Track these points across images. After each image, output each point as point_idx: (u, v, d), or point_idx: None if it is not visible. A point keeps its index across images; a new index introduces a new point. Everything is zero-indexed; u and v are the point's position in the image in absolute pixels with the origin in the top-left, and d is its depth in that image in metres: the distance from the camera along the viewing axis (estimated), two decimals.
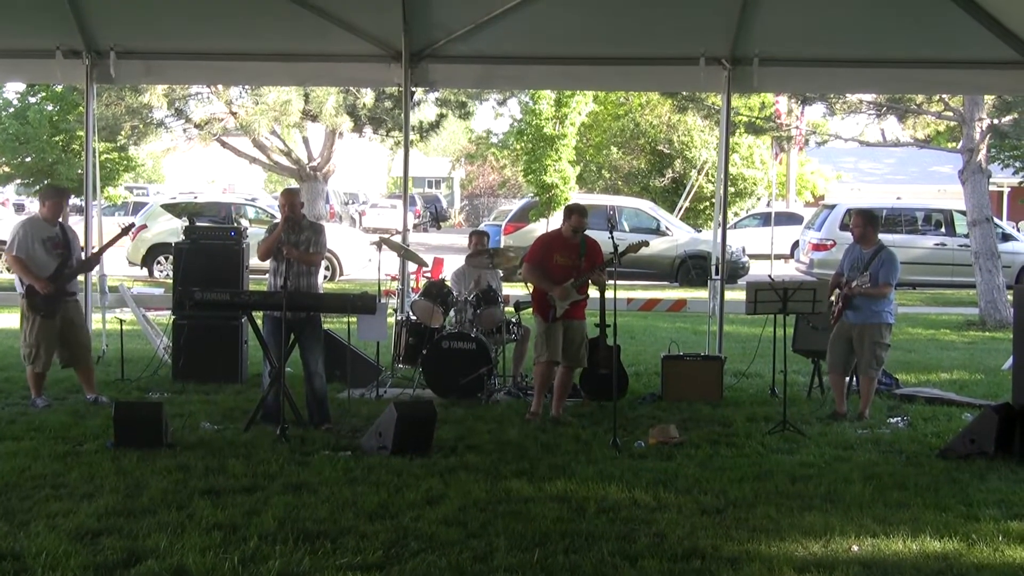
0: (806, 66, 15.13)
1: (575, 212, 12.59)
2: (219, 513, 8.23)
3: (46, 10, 14.15)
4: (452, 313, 13.87)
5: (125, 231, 13.34)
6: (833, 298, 12.56)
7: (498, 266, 14.21)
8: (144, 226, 30.57)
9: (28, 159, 33.83)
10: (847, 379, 12.87)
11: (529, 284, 12.75)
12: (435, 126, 25.21)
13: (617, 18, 14.36)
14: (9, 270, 29.53)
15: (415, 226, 58.44)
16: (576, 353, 12.43)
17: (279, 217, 12.10)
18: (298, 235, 11.88)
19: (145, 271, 30.21)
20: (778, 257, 34.60)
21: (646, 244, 12.51)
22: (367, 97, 22.86)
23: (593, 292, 12.51)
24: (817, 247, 31.35)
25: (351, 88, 22.51)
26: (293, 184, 25.98)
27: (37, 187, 34.84)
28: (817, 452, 10.74)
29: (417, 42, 14.69)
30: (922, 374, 15.64)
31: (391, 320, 14.66)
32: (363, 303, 11.69)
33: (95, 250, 14.05)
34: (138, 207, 38.71)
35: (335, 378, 13.41)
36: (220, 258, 13.95)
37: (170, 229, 28.00)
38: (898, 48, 14.60)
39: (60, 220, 12.68)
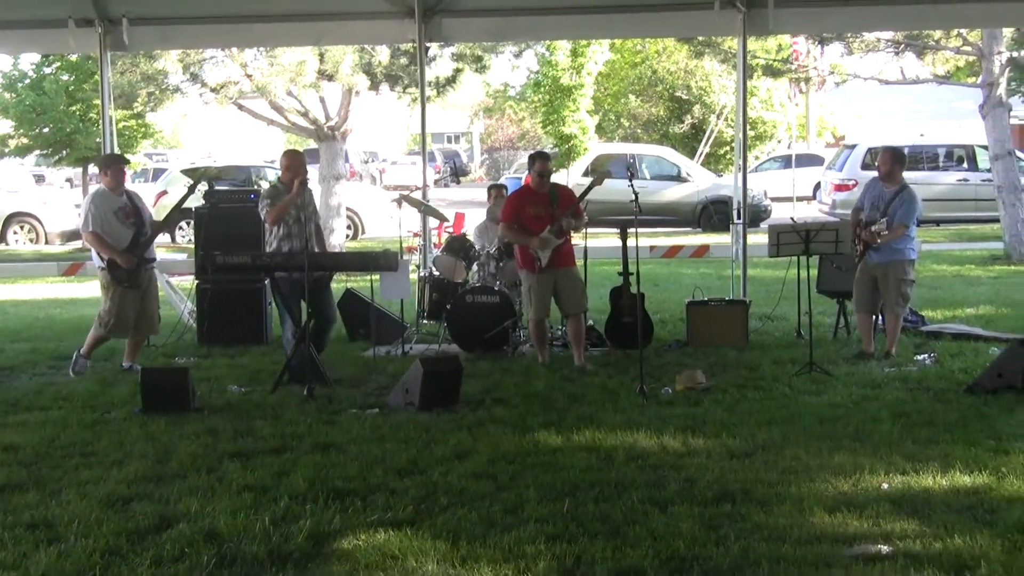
0: (821, 6, 14.98)
1: (538, 158, 12.73)
2: (249, 475, 8.25)
3: None
4: (475, 267, 13.87)
5: (192, 189, 13.29)
6: (855, 239, 12.51)
7: None
8: (164, 192, 30.61)
9: (46, 130, 33.83)
10: (874, 318, 12.84)
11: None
12: (451, 81, 24.99)
13: None
14: (33, 240, 29.77)
15: (435, 181, 58.39)
16: (574, 300, 12.49)
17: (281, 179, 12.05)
18: (303, 196, 11.89)
19: (167, 237, 30.27)
20: (800, 199, 34.47)
21: (603, 179, 12.56)
22: (383, 55, 22.75)
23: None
24: (839, 187, 31.20)
25: (366, 46, 22.42)
26: (312, 145, 25.90)
27: (56, 157, 34.94)
28: (845, 392, 10.74)
29: None
30: (948, 310, 15.59)
31: (414, 277, 14.65)
32: (385, 261, 11.71)
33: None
34: (158, 173, 38.77)
35: (360, 336, 13.46)
36: (241, 221, 13.93)
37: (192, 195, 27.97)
38: None
39: (125, 188, 12.69)
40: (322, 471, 8.33)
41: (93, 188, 13.76)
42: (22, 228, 30.76)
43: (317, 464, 8.53)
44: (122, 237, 12.29)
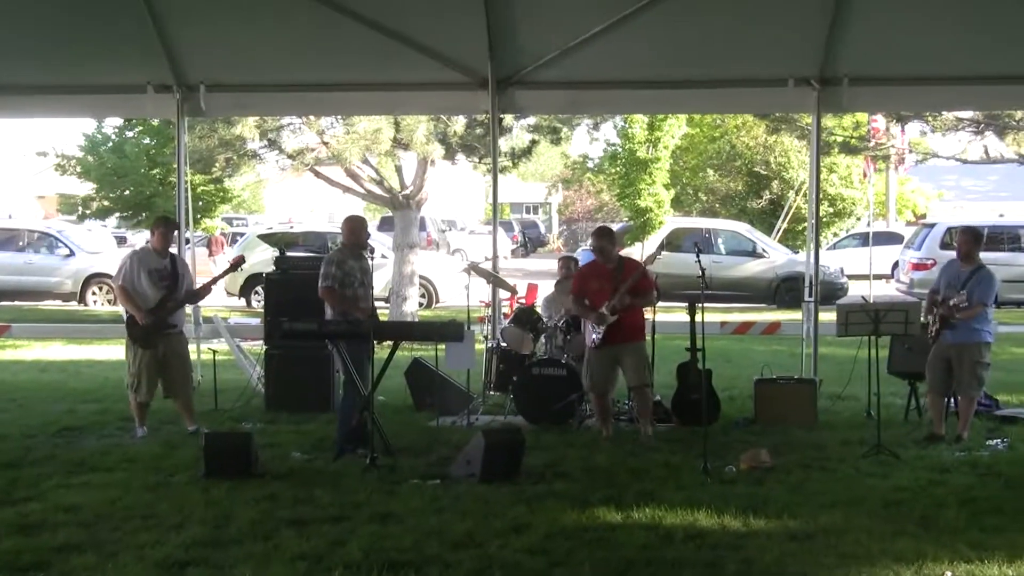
0: (897, 85, 14.84)
1: (593, 234, 12.71)
2: (305, 543, 8.25)
3: (137, 46, 14.29)
4: (542, 339, 13.83)
5: (234, 266, 13.44)
6: (931, 318, 12.37)
7: None
8: (241, 257, 30.81)
9: (126, 192, 34.33)
10: (946, 401, 12.64)
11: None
12: (527, 152, 25.09)
13: (704, 41, 14.24)
14: (111, 302, 30.08)
15: (512, 251, 58.48)
16: (637, 374, 12.40)
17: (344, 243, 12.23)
18: (364, 264, 12.03)
19: (243, 301, 30.49)
20: (878, 277, 34.11)
21: (651, 261, 12.64)
22: (458, 124, 22.85)
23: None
24: (917, 266, 30.96)
25: (443, 116, 22.51)
26: (388, 213, 25.94)
27: (136, 220, 35.40)
28: (912, 476, 10.54)
29: (504, 69, 14.67)
30: None
31: (480, 347, 14.62)
32: (450, 331, 11.70)
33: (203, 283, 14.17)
34: (237, 237, 39.12)
35: (427, 406, 13.45)
36: (311, 288, 13.92)
37: (267, 260, 28.21)
38: (993, 64, 14.23)
39: (171, 252, 12.84)
40: (378, 541, 8.32)
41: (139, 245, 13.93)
42: (100, 289, 31.05)
43: (374, 534, 8.52)
44: (150, 298, 12.42)
